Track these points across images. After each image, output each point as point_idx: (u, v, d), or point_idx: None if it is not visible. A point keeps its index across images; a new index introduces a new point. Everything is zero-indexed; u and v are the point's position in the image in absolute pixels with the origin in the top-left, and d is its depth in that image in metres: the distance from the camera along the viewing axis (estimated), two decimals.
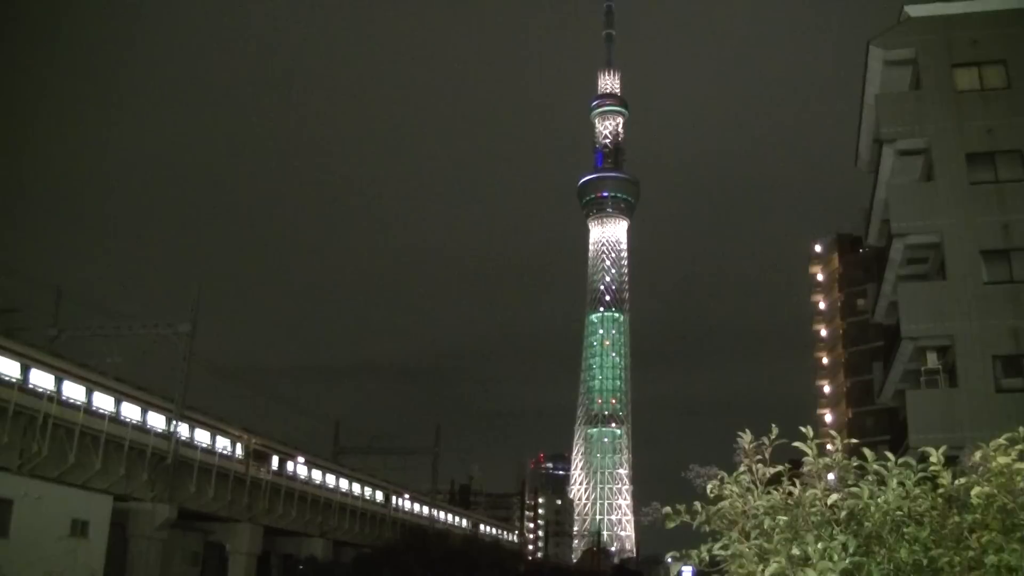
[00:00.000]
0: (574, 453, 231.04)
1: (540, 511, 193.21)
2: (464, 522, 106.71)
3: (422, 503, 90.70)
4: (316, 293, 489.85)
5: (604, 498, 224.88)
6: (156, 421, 49.12)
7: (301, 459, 64.84)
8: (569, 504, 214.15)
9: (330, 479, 69.43)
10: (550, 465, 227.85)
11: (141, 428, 47.57)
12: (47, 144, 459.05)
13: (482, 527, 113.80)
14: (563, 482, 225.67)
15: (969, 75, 33.56)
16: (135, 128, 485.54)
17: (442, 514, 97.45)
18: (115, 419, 45.48)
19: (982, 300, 30.92)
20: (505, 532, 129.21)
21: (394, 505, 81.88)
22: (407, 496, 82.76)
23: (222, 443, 55.01)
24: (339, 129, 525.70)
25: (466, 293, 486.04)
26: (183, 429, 50.41)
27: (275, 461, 60.79)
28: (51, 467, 41.29)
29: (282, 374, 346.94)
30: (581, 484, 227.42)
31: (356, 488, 73.72)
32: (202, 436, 52.98)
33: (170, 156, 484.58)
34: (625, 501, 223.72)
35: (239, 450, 56.58)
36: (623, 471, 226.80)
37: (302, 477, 64.38)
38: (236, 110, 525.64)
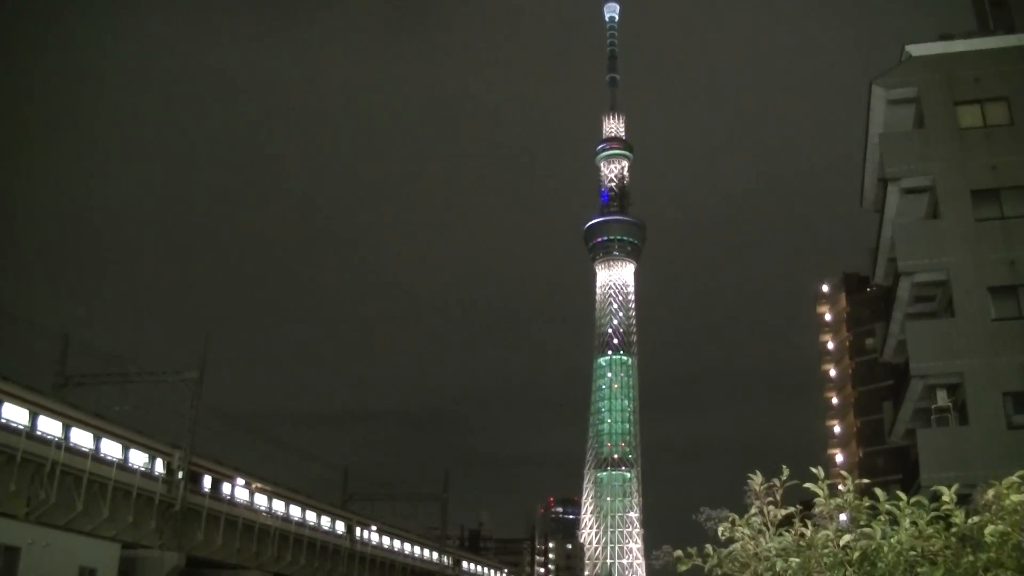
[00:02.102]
0: (584, 497, 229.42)
1: (550, 556, 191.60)
2: (474, 567, 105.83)
3: (430, 547, 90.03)
4: (322, 340, 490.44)
5: (615, 542, 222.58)
6: (139, 460, 47.28)
7: (240, 481, 56.20)
8: (579, 548, 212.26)
9: (282, 508, 61.23)
10: (560, 509, 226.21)
11: (149, 475, 47.24)
12: (42, 194, 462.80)
13: (493, 572, 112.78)
14: (573, 526, 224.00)
15: (972, 112, 33.74)
16: (127, 178, 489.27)
17: (452, 559, 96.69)
18: (123, 466, 45.23)
19: (991, 337, 30.83)
20: None
21: (399, 549, 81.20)
22: (374, 527, 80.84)
23: (140, 458, 47.11)
24: (341, 174, 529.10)
25: (473, 338, 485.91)
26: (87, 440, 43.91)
27: (207, 481, 52.62)
28: (59, 515, 41.05)
29: (288, 421, 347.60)
30: (591, 528, 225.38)
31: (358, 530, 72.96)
32: (112, 448, 45.25)
33: (165, 204, 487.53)
34: (636, 545, 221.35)
35: (163, 468, 48.43)
36: (633, 515, 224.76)
37: (300, 520, 62.85)
38: (238, 158, 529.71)
